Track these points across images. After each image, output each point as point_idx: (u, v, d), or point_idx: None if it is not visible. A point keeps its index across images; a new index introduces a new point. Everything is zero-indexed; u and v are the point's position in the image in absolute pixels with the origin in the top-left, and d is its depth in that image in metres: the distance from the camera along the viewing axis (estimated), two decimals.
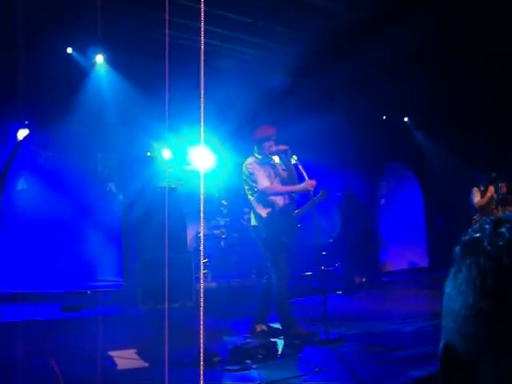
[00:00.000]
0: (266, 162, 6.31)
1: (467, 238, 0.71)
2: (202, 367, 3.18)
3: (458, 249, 0.72)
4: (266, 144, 6.27)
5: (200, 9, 4.32)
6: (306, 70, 9.95)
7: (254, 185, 6.16)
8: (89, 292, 8.73)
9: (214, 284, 9.25)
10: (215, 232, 10.20)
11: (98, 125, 8.89)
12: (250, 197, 6.27)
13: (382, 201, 12.78)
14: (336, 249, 11.06)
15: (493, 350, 0.64)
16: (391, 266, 12.33)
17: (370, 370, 4.94)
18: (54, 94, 8.45)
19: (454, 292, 0.69)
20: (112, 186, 9.81)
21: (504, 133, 10.31)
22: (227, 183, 10.98)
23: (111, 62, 9.09)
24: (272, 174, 6.28)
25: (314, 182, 6.05)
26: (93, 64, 9.11)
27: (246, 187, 6.28)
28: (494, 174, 8.82)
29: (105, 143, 9.41)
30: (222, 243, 10.21)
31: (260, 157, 6.30)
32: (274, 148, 6.27)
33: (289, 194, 6.32)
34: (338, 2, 8.65)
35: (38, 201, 9.12)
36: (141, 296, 7.76)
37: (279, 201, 6.22)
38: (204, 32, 8.25)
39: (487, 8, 7.95)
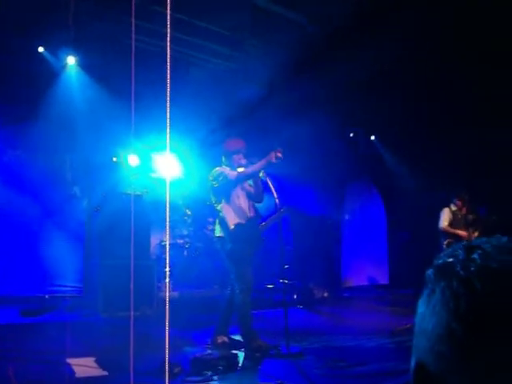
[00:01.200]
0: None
1: (440, 261, 0.75)
2: (167, 378, 3.13)
3: (431, 272, 0.75)
4: (235, 157, 6.31)
5: (171, 16, 4.31)
6: (275, 84, 10.01)
7: (223, 181, 6.14)
8: (47, 297, 8.56)
9: (176, 293, 9.17)
10: (179, 241, 10.12)
11: (66, 126, 8.76)
12: (217, 207, 6.27)
13: (347, 216, 12.89)
14: (298, 262, 11.10)
15: (463, 369, 0.67)
16: (353, 281, 12.42)
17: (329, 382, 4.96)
18: (23, 92, 8.31)
19: (428, 312, 0.72)
20: (77, 190, 9.65)
21: (469, 152, 10.52)
22: (193, 192, 10.93)
23: (82, 64, 8.98)
24: (239, 187, 6.29)
25: (276, 154, 5.86)
26: (64, 65, 8.98)
27: (213, 198, 6.29)
28: (467, 196, 8.87)
29: (72, 146, 9.27)
30: (186, 252, 10.15)
31: (228, 169, 6.32)
32: (242, 161, 6.30)
33: (253, 201, 6.37)
34: (310, 18, 8.75)
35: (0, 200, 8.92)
36: (101, 303, 7.66)
37: (244, 213, 6.24)
38: (178, 40, 8.25)
39: (454, 27, 8.14)
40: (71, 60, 8.97)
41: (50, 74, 8.78)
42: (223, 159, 6.42)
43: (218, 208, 6.24)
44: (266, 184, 6.32)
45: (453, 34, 8.35)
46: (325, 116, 10.67)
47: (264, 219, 6.60)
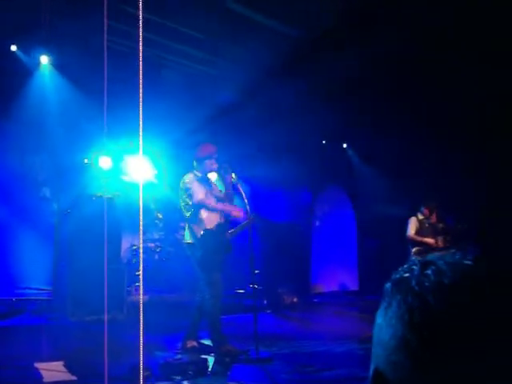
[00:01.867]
0: (204, 180, 6.39)
1: (397, 276, 0.79)
2: (141, 382, 3.11)
3: (388, 285, 0.79)
4: (207, 162, 6.35)
5: (144, 17, 4.31)
6: (249, 89, 10.04)
7: (188, 200, 6.20)
8: (15, 300, 8.42)
9: (145, 297, 9.08)
10: (149, 245, 10.06)
11: (37, 126, 8.64)
12: (185, 213, 6.28)
13: (317, 222, 12.96)
14: (268, 267, 11.12)
15: (417, 378, 0.71)
16: (323, 287, 12.48)
17: None
18: None
19: (385, 324, 0.76)
20: (46, 192, 9.51)
21: (439, 161, 10.69)
22: (164, 196, 10.87)
23: (56, 63, 8.87)
24: (208, 192, 6.31)
25: (240, 214, 6.27)
26: (37, 64, 8.86)
27: (182, 203, 6.30)
28: (434, 204, 9.04)
29: (43, 146, 9.14)
30: (156, 256, 10.10)
31: (199, 174, 6.35)
32: (214, 166, 6.34)
33: (221, 212, 6.38)
34: (287, 24, 8.81)
35: None
36: (70, 306, 7.57)
37: (214, 220, 6.26)
38: (153, 43, 8.23)
39: (430, 35, 8.28)
40: (44, 59, 8.86)
41: (23, 74, 8.66)
42: (195, 164, 6.44)
43: (188, 214, 6.25)
44: (236, 189, 6.36)
45: (431, 41, 8.48)
46: (298, 122, 10.74)
47: (233, 225, 6.62)
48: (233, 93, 10.24)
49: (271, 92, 9.91)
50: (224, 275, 6.49)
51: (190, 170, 6.48)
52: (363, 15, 8.15)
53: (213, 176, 9.67)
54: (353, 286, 12.88)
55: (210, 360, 5.89)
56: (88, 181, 9.17)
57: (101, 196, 8.58)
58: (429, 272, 0.74)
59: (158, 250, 10.09)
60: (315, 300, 11.45)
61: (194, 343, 6.34)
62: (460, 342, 0.69)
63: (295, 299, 10.76)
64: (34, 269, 9.07)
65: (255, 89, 9.90)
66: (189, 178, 6.32)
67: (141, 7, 4.15)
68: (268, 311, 9.96)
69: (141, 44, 4.37)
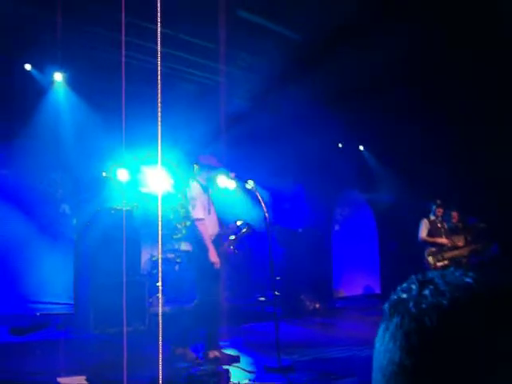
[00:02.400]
0: (205, 189, 6.36)
1: (395, 297, 0.76)
2: None
3: (386, 307, 0.76)
4: (205, 173, 6.34)
5: (161, 32, 4.34)
6: (263, 96, 10.05)
7: (189, 208, 6.18)
8: (38, 314, 8.51)
9: (167, 309, 9.13)
10: (169, 256, 10.10)
11: (53, 144, 8.75)
12: (186, 222, 6.26)
13: (336, 227, 12.91)
14: (289, 274, 11.10)
15: None
16: (345, 291, 12.42)
17: None
18: (10, 111, 8.30)
19: (383, 349, 0.73)
20: (66, 208, 9.63)
21: (457, 161, 10.58)
22: (183, 206, 10.91)
23: (70, 80, 8.98)
24: (205, 204, 6.31)
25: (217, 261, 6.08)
26: (51, 82, 8.97)
27: (182, 211, 6.31)
28: (439, 201, 9.00)
29: (60, 163, 9.26)
30: (177, 267, 10.12)
31: (204, 182, 6.35)
32: (209, 176, 6.37)
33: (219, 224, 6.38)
34: (296, 29, 8.79)
35: None
36: (92, 319, 7.61)
37: (213, 228, 6.26)
38: (165, 55, 8.28)
39: (439, 36, 8.21)
40: (58, 76, 8.97)
41: (38, 92, 8.77)
42: (195, 171, 6.43)
43: (187, 223, 6.26)
44: (255, 196, 6.34)
45: (440, 44, 8.41)
46: (313, 127, 10.72)
47: (225, 238, 6.62)
48: (247, 101, 10.26)
49: (286, 97, 9.91)
50: (245, 281, 6.50)
51: (193, 177, 6.48)
52: (378, 13, 8.09)
53: (232, 184, 9.75)
54: (375, 289, 12.79)
55: (233, 370, 5.86)
56: (106, 194, 9.24)
57: (120, 209, 8.63)
58: (426, 292, 0.72)
59: (178, 261, 10.12)
60: (338, 305, 11.39)
61: (216, 353, 6.33)
62: (459, 369, 0.65)
63: (318, 305, 10.72)
64: (57, 283, 9.17)
65: (269, 95, 9.91)
66: (194, 189, 6.31)
67: (159, 24, 4.19)
68: (290, 318, 9.92)
69: (159, 59, 4.41)
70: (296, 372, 5.77)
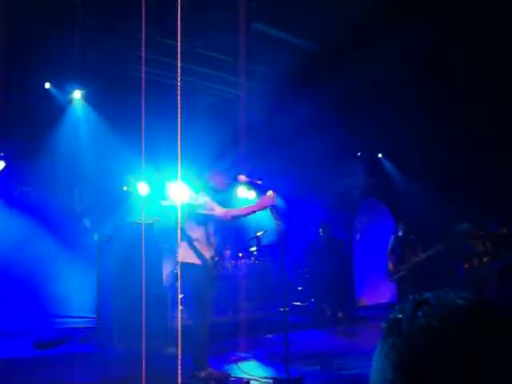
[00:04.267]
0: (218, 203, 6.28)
1: (391, 317, 0.78)
2: None
3: (383, 326, 0.78)
4: (215, 187, 6.32)
5: (176, 46, 4.38)
6: (280, 106, 10.08)
7: (209, 212, 6.03)
8: (62, 328, 8.57)
9: (190, 321, 9.13)
10: None
11: (74, 160, 8.87)
12: (191, 232, 6.08)
13: (358, 236, 12.85)
14: (311, 284, 11.07)
15: None
16: (367, 300, 12.33)
17: None
18: (31, 128, 8.42)
19: (378, 367, 0.75)
20: (87, 222, 9.73)
21: (479, 169, 10.49)
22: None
23: (89, 97, 9.10)
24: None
25: (271, 196, 5.85)
26: (70, 99, 9.11)
27: (189, 222, 6.07)
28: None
29: (80, 178, 9.37)
30: None
31: (215, 203, 6.21)
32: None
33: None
34: (309, 38, 8.81)
35: (11, 236, 8.99)
36: (116, 333, 7.65)
37: (211, 241, 6.13)
38: (182, 69, 8.34)
39: (455, 39, 8.18)
40: (77, 94, 9.10)
41: (57, 109, 8.90)
42: (202, 186, 6.36)
43: (190, 233, 6.10)
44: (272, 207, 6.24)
45: (455, 47, 8.38)
46: (332, 136, 10.71)
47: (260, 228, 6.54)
48: (263, 110, 10.30)
49: (302, 106, 9.91)
50: (267, 292, 6.45)
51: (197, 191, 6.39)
52: (391, 16, 8.06)
53: (251, 195, 9.70)
54: (394, 298, 12.67)
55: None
56: (127, 208, 9.31)
57: (140, 222, 8.67)
58: (419, 314, 0.73)
59: None
60: (360, 314, 11.32)
61: (209, 370, 6.06)
62: None
63: (340, 314, 10.67)
64: (79, 297, 9.24)
65: (285, 104, 9.92)
66: (202, 196, 6.22)
67: (179, 40, 4.23)
68: (313, 328, 9.88)
69: (179, 74, 4.45)
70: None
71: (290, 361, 6.31)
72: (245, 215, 6.23)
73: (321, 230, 11.16)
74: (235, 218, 6.16)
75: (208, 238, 6.10)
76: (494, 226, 9.31)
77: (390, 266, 9.61)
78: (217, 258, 6.26)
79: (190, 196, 6.26)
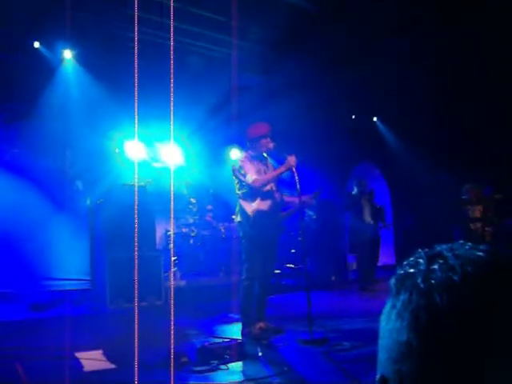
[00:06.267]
0: (258, 158, 6.28)
1: (402, 272, 0.72)
2: (172, 369, 3.16)
3: (392, 282, 0.72)
4: (263, 141, 6.23)
5: (168, 5, 4.29)
6: (273, 67, 9.94)
7: (242, 178, 6.11)
8: (54, 290, 8.60)
9: (183, 282, 9.22)
10: (184, 230, 10.15)
11: (65, 121, 8.76)
12: (237, 191, 6.21)
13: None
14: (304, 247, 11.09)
15: None
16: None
17: (338, 369, 4.97)
18: (20, 89, 8.29)
19: (389, 327, 0.70)
20: (79, 184, 9.68)
21: (471, 133, 10.46)
22: (196, 180, 10.93)
23: (79, 57, 8.93)
24: (262, 170, 6.23)
25: (293, 158, 6.05)
26: (60, 59, 8.94)
27: (236, 181, 6.23)
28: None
29: (72, 140, 9.28)
30: (191, 241, 10.17)
31: (253, 153, 6.28)
32: (270, 145, 6.26)
33: (277, 185, 6.32)
34: None
35: (3, 199, 8.94)
36: (109, 295, 7.69)
37: (267, 201, 6.17)
38: (174, 29, 8.20)
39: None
40: (68, 54, 8.92)
41: (47, 69, 8.74)
42: (248, 145, 6.37)
43: (240, 193, 6.18)
44: (292, 172, 6.25)
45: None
46: (325, 98, 10.62)
47: (285, 209, 6.59)
48: (256, 72, 10.18)
49: (295, 67, 9.77)
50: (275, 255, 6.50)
51: (244, 149, 6.55)
52: None
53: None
54: (390, 260, 12.76)
55: (249, 342, 5.88)
56: (119, 170, 9.27)
57: (133, 184, 8.64)
58: (436, 267, 0.67)
59: (192, 235, 10.16)
60: (352, 277, 11.39)
61: (262, 324, 6.26)
62: (471, 349, 0.62)
63: (333, 277, 10.74)
64: (73, 260, 9.27)
65: (278, 66, 9.78)
66: (242, 156, 6.37)
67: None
68: (306, 290, 9.93)
69: (172, 33, 4.36)
70: (319, 345, 5.75)
71: (287, 322, 6.43)
72: (273, 179, 6.24)
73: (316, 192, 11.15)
74: (264, 184, 6.15)
75: (260, 192, 6.15)
76: (488, 190, 9.33)
77: None
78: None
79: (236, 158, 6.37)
